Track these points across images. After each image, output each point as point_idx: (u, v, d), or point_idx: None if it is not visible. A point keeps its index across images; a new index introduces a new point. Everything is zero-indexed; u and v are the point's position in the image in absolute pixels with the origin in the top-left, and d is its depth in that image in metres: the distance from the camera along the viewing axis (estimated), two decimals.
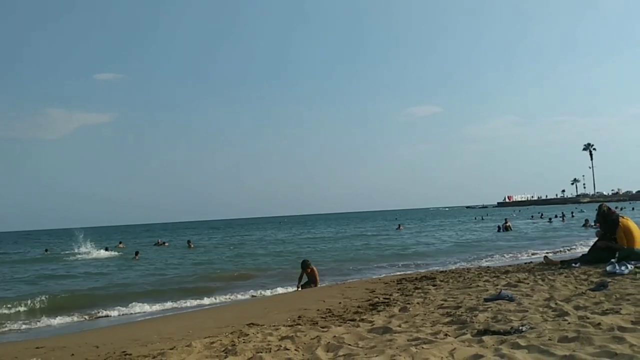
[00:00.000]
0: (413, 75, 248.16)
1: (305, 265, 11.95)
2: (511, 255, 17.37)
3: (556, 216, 45.62)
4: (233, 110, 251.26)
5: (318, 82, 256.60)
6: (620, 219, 8.66)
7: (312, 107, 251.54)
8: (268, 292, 11.84)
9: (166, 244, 37.56)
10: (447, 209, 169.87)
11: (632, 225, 8.62)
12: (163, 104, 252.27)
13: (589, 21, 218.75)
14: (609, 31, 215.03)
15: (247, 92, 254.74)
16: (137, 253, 25.86)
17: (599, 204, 9.51)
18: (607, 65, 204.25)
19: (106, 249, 32.05)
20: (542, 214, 53.02)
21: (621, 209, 41.95)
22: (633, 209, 53.19)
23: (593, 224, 9.55)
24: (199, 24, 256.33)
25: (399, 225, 46.70)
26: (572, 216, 45.60)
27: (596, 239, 9.27)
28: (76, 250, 33.24)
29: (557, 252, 16.93)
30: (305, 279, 11.87)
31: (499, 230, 32.05)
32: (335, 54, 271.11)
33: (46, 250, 38.91)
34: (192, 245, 32.69)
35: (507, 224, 32.56)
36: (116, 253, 30.62)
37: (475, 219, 58.87)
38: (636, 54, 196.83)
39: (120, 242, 39.25)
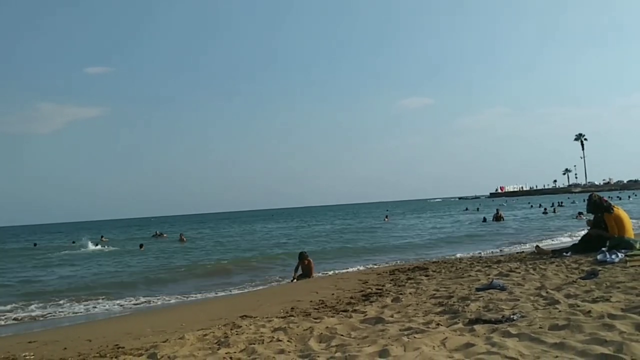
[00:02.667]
0: (404, 67, 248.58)
1: (302, 257, 11.92)
2: (503, 245, 17.46)
3: (552, 205, 46.10)
4: (224, 102, 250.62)
5: (308, 75, 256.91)
6: (612, 208, 8.71)
7: (302, 101, 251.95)
8: (261, 285, 11.85)
9: (165, 235, 37.38)
10: (439, 200, 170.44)
11: (622, 214, 8.69)
12: (154, 96, 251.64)
13: (574, 12, 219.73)
14: (596, 22, 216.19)
15: (237, 85, 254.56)
16: (141, 245, 25.92)
17: (589, 193, 9.56)
18: (594, 58, 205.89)
19: (96, 244, 31.99)
20: (540, 204, 53.53)
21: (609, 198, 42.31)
22: (620, 198, 53.63)
23: (585, 212, 9.55)
24: (189, 17, 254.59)
25: (386, 216, 46.89)
26: (561, 205, 45.97)
27: (587, 227, 9.34)
28: (73, 245, 33.15)
29: (549, 241, 17.04)
30: (300, 271, 11.85)
31: (484, 221, 32.16)
32: (325, 48, 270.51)
33: (35, 245, 38.61)
34: (184, 239, 32.61)
35: (499, 214, 32.66)
36: (109, 247, 30.53)
37: (467, 209, 59.14)
38: (622, 46, 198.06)
39: (102, 237, 38.47)
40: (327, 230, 35.30)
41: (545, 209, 42.77)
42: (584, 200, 9.27)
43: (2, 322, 9.06)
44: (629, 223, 8.63)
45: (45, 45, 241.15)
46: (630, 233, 8.47)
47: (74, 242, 34.80)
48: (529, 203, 54.64)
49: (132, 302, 10.48)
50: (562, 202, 51.91)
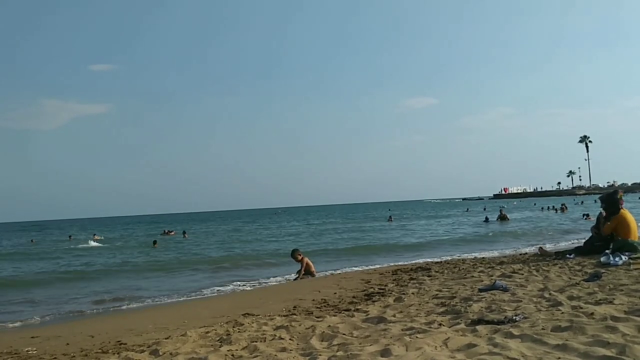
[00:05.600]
0: (408, 67, 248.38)
1: (294, 254, 11.71)
2: (505, 246, 17.42)
3: (553, 207, 46.20)
4: (229, 100, 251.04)
5: (313, 75, 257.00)
6: (620, 210, 8.64)
7: (307, 100, 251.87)
8: (263, 282, 11.85)
9: (173, 233, 37.43)
10: (442, 200, 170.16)
11: (629, 216, 8.64)
12: (158, 94, 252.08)
13: (580, 14, 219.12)
14: (601, 24, 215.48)
15: (242, 83, 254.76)
16: (155, 242, 26.18)
17: (597, 195, 9.53)
18: (599, 59, 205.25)
19: (94, 234, 32.35)
20: (550, 207, 53.56)
21: None
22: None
23: (600, 207, 9.39)
24: (194, 15, 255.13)
25: (390, 217, 46.84)
26: (565, 208, 45.88)
27: (590, 234, 9.28)
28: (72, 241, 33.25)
29: (552, 243, 16.98)
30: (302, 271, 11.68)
31: (486, 221, 32.40)
32: (330, 47, 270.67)
33: (32, 241, 38.53)
34: (186, 236, 32.96)
35: (503, 214, 33.07)
36: (103, 244, 30.67)
37: (467, 210, 59.08)
38: (628, 48, 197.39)
39: (94, 235, 37.71)
40: (329, 231, 35.24)
41: (555, 210, 43.27)
42: (581, 203, 9.21)
43: (5, 317, 9.08)
44: (635, 226, 8.58)
45: (50, 42, 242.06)
46: (634, 236, 8.43)
47: (70, 237, 34.84)
48: (534, 204, 54.64)
49: (134, 299, 10.49)
50: (564, 204, 52.01)
